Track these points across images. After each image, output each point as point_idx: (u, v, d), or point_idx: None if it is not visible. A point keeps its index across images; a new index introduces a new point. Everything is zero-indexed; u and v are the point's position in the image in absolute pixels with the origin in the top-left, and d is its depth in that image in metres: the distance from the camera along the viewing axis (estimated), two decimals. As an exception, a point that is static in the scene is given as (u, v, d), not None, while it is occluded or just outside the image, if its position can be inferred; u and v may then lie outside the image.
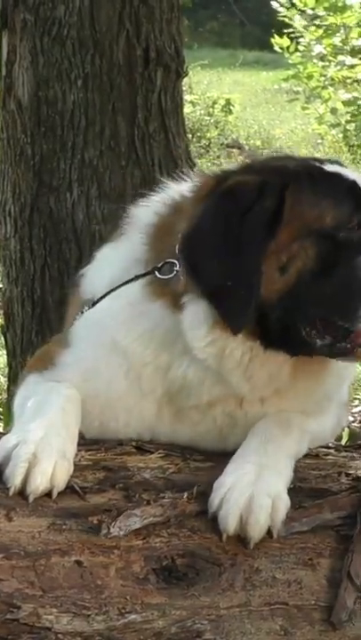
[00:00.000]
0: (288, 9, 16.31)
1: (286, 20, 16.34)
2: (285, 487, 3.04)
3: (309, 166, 3.27)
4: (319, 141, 20.07)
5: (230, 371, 3.17)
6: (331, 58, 16.22)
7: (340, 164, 3.33)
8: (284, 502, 2.99)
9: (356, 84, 16.24)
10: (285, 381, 3.22)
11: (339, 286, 3.09)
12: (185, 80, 6.41)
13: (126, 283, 3.31)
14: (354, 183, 3.19)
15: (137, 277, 3.30)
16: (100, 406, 3.30)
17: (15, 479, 2.97)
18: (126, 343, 3.26)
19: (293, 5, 16.29)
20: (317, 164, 3.29)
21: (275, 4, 16.45)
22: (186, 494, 3.03)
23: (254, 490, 2.97)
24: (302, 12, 16.19)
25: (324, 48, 16.10)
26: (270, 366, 3.17)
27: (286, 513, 2.98)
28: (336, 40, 15.97)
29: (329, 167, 3.26)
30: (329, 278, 3.09)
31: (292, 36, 16.43)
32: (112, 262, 3.47)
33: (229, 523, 2.94)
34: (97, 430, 3.31)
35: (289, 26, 16.45)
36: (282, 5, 16.33)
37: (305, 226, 3.14)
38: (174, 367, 3.23)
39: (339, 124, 17.67)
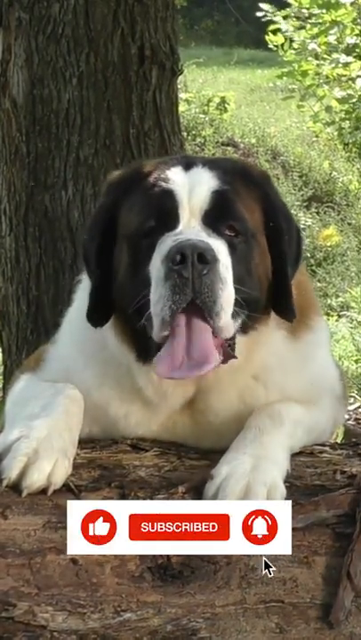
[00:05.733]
0: (277, 11, 16.30)
1: (276, 25, 16.32)
2: (281, 477, 3.06)
3: (143, 170, 3.29)
4: (314, 139, 20.09)
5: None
6: (325, 56, 16.21)
7: (189, 166, 3.26)
8: (280, 492, 3.01)
9: (350, 82, 16.23)
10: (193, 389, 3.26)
11: (141, 288, 3.09)
12: (180, 78, 6.41)
13: None
14: (166, 189, 3.17)
15: None
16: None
17: (11, 472, 2.99)
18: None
19: (284, 7, 16.28)
20: (159, 166, 3.27)
21: (262, 13, 16.43)
22: (181, 488, 3.04)
23: (250, 479, 3.00)
24: (299, 10, 16.16)
25: (319, 46, 16.08)
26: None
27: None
28: (331, 38, 15.95)
29: (168, 171, 3.23)
30: (137, 280, 3.12)
31: (287, 35, 16.41)
32: None
33: None
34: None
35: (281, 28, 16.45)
36: (268, 12, 16.30)
37: (120, 230, 3.23)
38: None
39: (334, 122, 17.69)
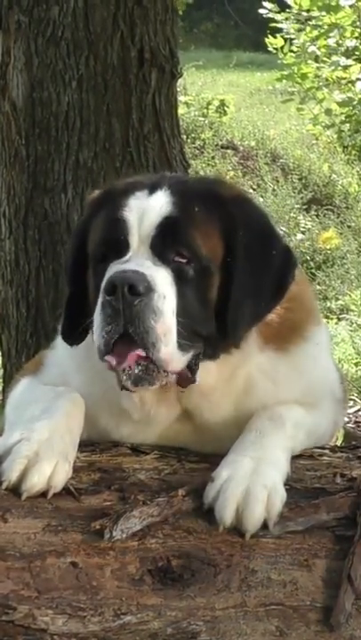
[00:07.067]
0: (278, 12, 16.33)
1: (277, 24, 16.36)
2: (282, 480, 3.06)
3: (114, 191, 3.30)
4: (314, 142, 20.09)
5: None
6: (325, 58, 16.23)
7: (154, 189, 3.22)
8: (280, 495, 3.01)
9: (350, 85, 16.24)
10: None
11: None
12: (179, 81, 6.42)
13: None
14: (119, 216, 3.15)
15: None
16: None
17: (11, 474, 2.98)
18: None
19: (284, 9, 16.31)
20: (127, 189, 3.25)
21: (264, 11, 16.47)
22: (181, 491, 3.03)
23: (250, 482, 2.99)
24: (298, 13, 16.19)
25: (319, 49, 16.11)
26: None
27: (282, 507, 3.00)
28: (331, 41, 15.97)
29: (129, 197, 3.20)
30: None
31: (286, 37, 16.45)
32: None
33: (226, 514, 2.95)
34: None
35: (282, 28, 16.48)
36: (271, 11, 16.34)
37: (88, 251, 3.25)
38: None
39: (333, 125, 17.70)
